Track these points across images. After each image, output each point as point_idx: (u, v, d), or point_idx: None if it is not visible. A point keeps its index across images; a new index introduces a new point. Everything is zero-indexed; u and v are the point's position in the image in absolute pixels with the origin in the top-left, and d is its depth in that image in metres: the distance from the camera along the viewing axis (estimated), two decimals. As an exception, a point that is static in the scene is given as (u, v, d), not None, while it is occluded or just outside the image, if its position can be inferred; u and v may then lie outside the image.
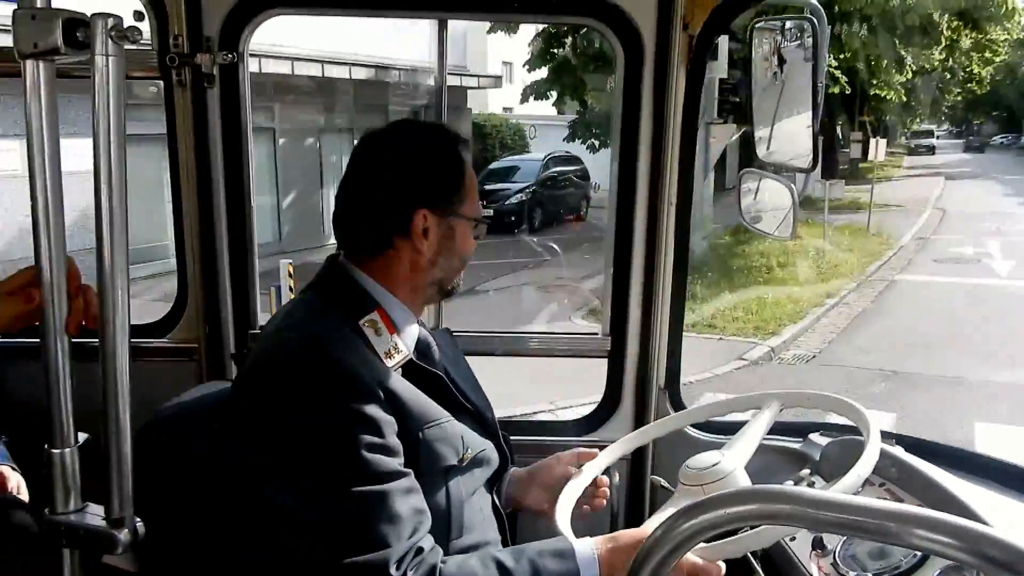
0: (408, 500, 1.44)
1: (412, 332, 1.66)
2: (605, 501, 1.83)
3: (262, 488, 1.48)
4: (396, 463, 1.46)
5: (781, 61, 2.18)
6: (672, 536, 0.83)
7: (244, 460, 1.51)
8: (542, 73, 21.56)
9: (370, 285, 1.61)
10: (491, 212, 16.03)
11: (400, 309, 1.63)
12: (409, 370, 1.60)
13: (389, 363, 1.55)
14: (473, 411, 1.72)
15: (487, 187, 19.17)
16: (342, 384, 1.43)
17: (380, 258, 1.62)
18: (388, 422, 1.46)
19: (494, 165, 22.37)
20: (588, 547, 1.48)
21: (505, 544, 1.70)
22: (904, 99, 27.75)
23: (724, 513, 0.81)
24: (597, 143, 21.35)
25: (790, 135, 2.18)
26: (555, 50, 20.82)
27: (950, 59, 29.71)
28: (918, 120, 41.61)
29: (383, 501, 1.41)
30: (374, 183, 1.61)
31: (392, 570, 1.37)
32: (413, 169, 1.60)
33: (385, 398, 1.47)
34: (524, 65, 21.96)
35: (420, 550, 1.42)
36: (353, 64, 16.17)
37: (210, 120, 2.29)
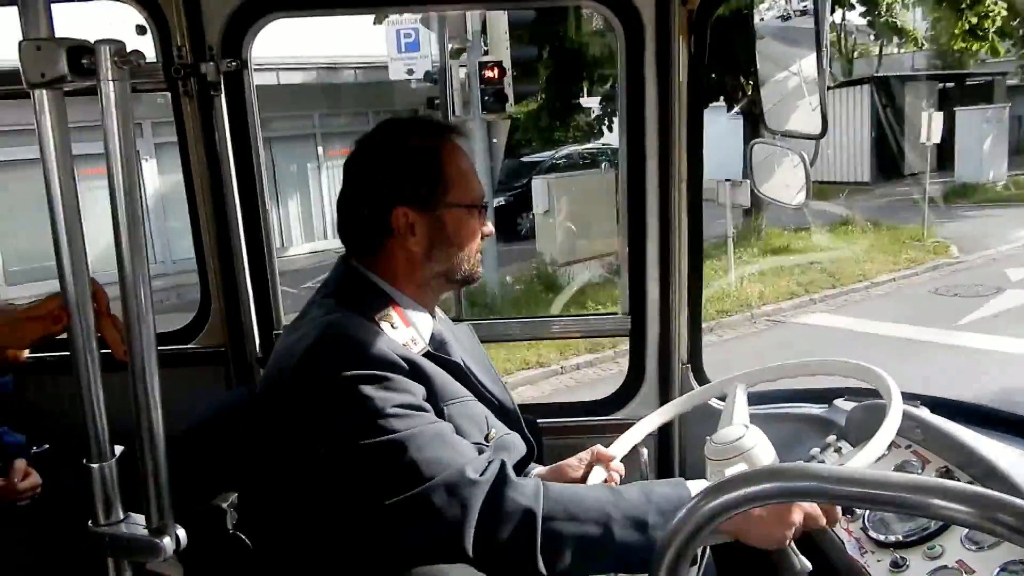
0: (459, 437, 1.49)
1: (426, 326, 1.68)
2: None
3: (308, 471, 1.51)
4: (433, 418, 1.49)
5: (784, 27, 2.17)
6: (694, 518, 0.85)
7: (278, 456, 1.54)
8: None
9: (380, 283, 1.64)
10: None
11: (411, 304, 1.65)
12: (429, 359, 1.61)
13: (409, 350, 1.57)
14: (496, 403, 1.74)
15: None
16: (367, 357, 1.46)
17: (379, 258, 1.65)
18: (417, 387, 1.50)
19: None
20: (699, 482, 1.52)
21: None
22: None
23: (743, 493, 0.83)
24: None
25: (798, 103, 2.17)
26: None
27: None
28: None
29: (436, 435, 1.44)
30: (356, 187, 1.66)
31: (470, 475, 1.39)
32: (386, 169, 1.63)
33: (411, 369, 1.50)
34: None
35: (503, 463, 1.44)
36: (309, 67, 15.92)
37: (218, 128, 2.31)
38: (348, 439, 1.44)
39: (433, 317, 1.73)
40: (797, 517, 1.43)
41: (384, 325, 1.57)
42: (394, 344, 1.53)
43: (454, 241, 1.64)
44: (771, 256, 13.72)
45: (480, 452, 1.49)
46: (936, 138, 15.52)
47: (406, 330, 1.60)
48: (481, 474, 1.41)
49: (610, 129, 17.85)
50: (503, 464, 1.45)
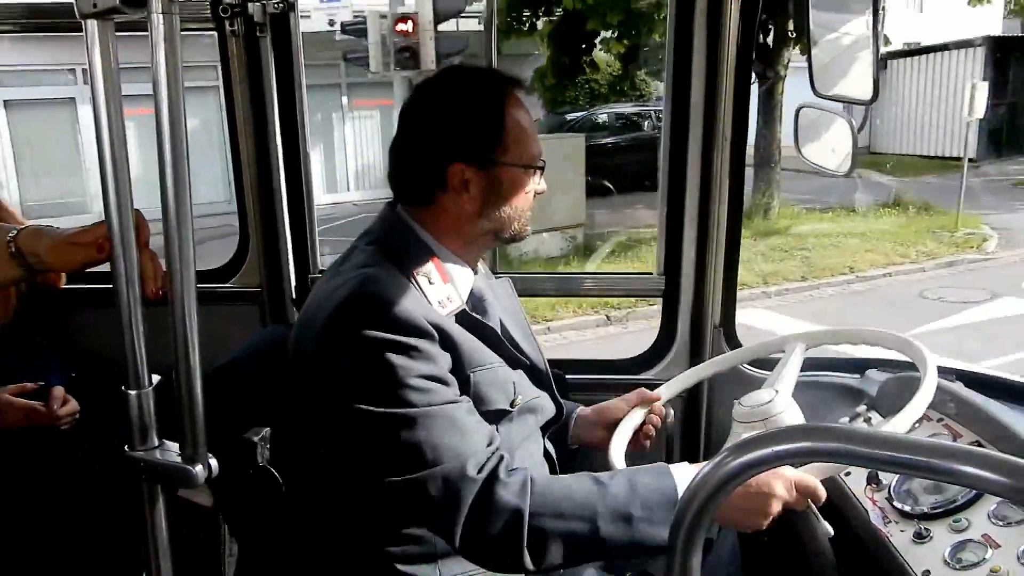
0: (474, 417, 1.48)
1: (466, 283, 1.66)
2: (655, 431, 1.86)
3: (329, 421, 1.54)
4: (453, 391, 1.49)
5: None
6: (721, 473, 0.85)
7: (307, 399, 1.57)
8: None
9: (424, 235, 1.62)
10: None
11: (453, 259, 1.63)
12: (463, 321, 1.60)
13: (443, 312, 1.56)
14: (527, 363, 1.73)
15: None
16: (396, 321, 1.45)
17: (428, 210, 1.61)
18: (442, 356, 1.49)
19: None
20: (685, 467, 1.50)
21: None
22: None
23: (772, 451, 0.82)
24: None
25: (849, 66, 2.11)
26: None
27: None
28: None
29: (449, 418, 1.43)
30: (413, 137, 1.60)
31: (470, 471, 1.40)
32: (447, 121, 1.57)
33: (439, 337, 1.49)
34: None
35: (501, 457, 1.44)
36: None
37: (264, 69, 2.32)
38: (365, 402, 1.45)
39: (475, 273, 1.71)
40: (776, 507, 1.43)
41: (421, 280, 1.56)
42: (426, 307, 1.52)
43: (508, 200, 1.60)
44: (762, 239, 12.51)
45: (492, 442, 1.48)
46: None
47: (443, 287, 1.59)
48: (479, 471, 1.41)
49: (623, 92, 17.33)
50: (500, 460, 1.45)
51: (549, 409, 1.75)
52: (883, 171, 18.19)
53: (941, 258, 11.80)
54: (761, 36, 12.51)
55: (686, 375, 1.98)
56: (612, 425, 1.84)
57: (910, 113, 21.18)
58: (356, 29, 9.89)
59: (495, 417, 1.59)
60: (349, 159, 17.66)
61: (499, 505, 1.40)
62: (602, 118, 18.08)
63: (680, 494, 1.39)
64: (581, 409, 1.91)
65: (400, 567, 1.58)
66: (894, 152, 21.08)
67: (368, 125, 18.25)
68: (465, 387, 1.54)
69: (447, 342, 1.51)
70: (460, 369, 1.53)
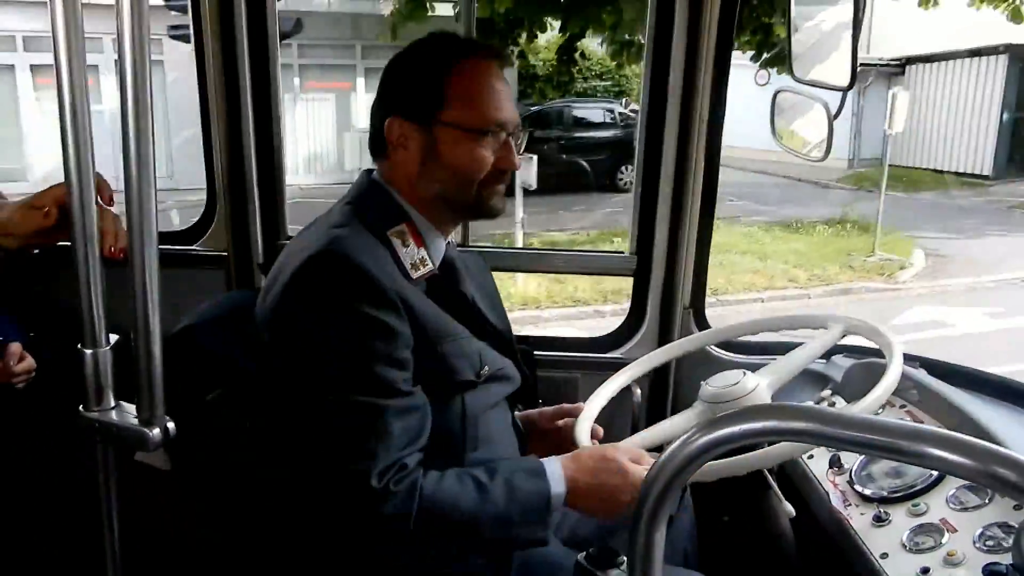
0: (404, 419, 1.45)
1: (439, 249, 1.65)
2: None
3: (277, 389, 1.52)
4: (401, 378, 1.46)
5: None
6: (688, 451, 0.84)
7: (265, 364, 1.55)
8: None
9: (398, 198, 1.61)
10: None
11: (425, 225, 1.61)
12: (434, 288, 1.59)
13: (415, 275, 1.55)
14: (494, 332, 1.72)
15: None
16: (360, 289, 1.43)
17: (383, 166, 1.63)
18: (402, 335, 1.46)
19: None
20: (556, 464, 1.52)
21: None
22: None
23: (739, 429, 0.82)
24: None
25: (828, 52, 2.11)
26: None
27: None
28: None
29: (379, 415, 1.41)
30: (375, 96, 1.63)
31: (373, 482, 1.38)
32: (391, 77, 1.60)
33: (403, 309, 1.46)
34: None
35: (404, 466, 1.42)
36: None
37: (237, 27, 2.26)
38: (308, 372, 1.45)
39: (448, 242, 1.69)
40: (626, 498, 1.49)
41: (395, 241, 1.55)
42: (394, 274, 1.50)
43: (449, 162, 1.56)
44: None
45: (406, 448, 1.44)
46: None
47: (417, 250, 1.57)
48: (381, 479, 1.39)
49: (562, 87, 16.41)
50: (403, 468, 1.43)
51: (516, 378, 1.74)
52: (872, 187, 16.03)
53: (837, 284, 10.80)
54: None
55: (655, 354, 1.98)
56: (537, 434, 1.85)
57: (927, 125, 19.39)
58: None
59: (461, 387, 1.58)
60: (300, 143, 16.93)
61: (386, 515, 1.40)
62: (559, 113, 17.33)
63: (553, 494, 1.48)
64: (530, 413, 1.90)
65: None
66: (916, 166, 19.41)
67: (321, 108, 17.61)
68: (432, 360, 1.52)
69: (412, 314, 1.48)
70: (425, 341, 1.50)
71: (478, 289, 1.74)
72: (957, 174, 18.65)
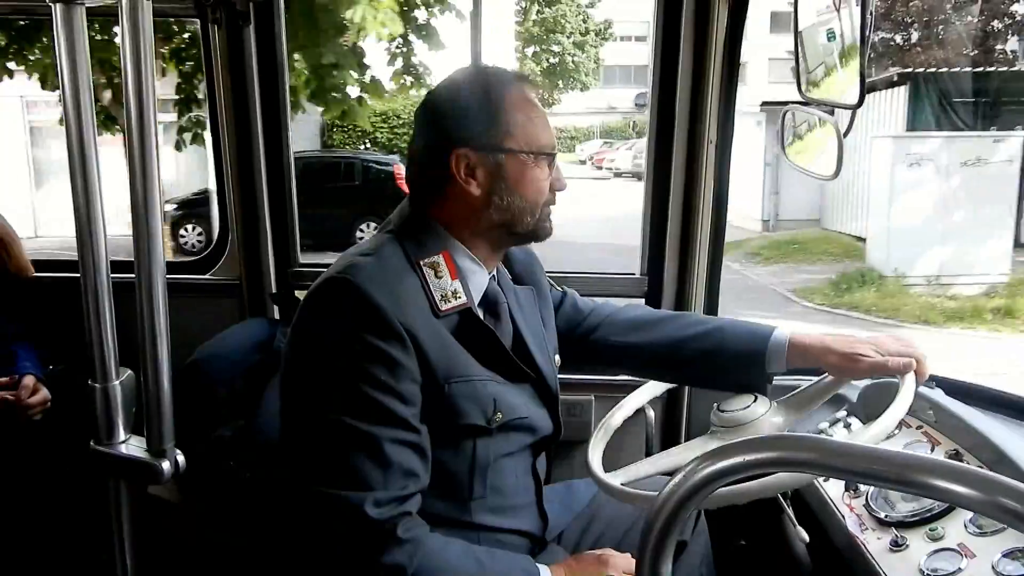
0: (405, 453, 1.42)
1: (479, 283, 1.61)
2: None
3: (285, 414, 1.51)
4: (402, 410, 1.43)
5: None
6: (691, 482, 0.83)
7: (279, 391, 1.54)
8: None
9: (439, 230, 1.58)
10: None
11: (467, 257, 1.59)
12: (467, 323, 1.55)
13: (444, 307, 1.51)
14: (533, 377, 1.66)
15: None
16: (365, 318, 1.41)
17: (438, 203, 1.59)
18: (406, 368, 1.43)
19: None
20: (547, 570, 1.54)
21: (538, 508, 1.70)
22: None
23: (743, 460, 0.81)
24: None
25: (837, 70, 2.10)
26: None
27: None
28: None
29: (376, 443, 1.39)
30: (422, 132, 1.60)
31: (368, 510, 1.36)
32: (449, 110, 1.57)
33: (411, 342, 1.43)
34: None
35: (403, 502, 1.41)
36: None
37: (246, 60, 2.29)
38: (308, 392, 1.45)
39: (493, 276, 1.66)
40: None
41: (427, 271, 1.53)
42: (409, 305, 1.46)
43: (516, 189, 1.57)
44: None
45: (406, 488, 1.42)
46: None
47: (451, 282, 1.54)
48: (377, 507, 1.37)
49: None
50: (405, 513, 1.41)
51: (543, 428, 1.68)
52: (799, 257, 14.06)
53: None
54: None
55: (643, 389, 1.95)
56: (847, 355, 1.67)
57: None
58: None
59: (471, 432, 1.54)
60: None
61: (385, 561, 1.38)
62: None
63: None
64: (794, 335, 1.72)
65: None
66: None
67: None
68: (438, 399, 1.48)
69: (420, 350, 1.45)
70: (432, 378, 1.47)
71: (529, 327, 1.70)
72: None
